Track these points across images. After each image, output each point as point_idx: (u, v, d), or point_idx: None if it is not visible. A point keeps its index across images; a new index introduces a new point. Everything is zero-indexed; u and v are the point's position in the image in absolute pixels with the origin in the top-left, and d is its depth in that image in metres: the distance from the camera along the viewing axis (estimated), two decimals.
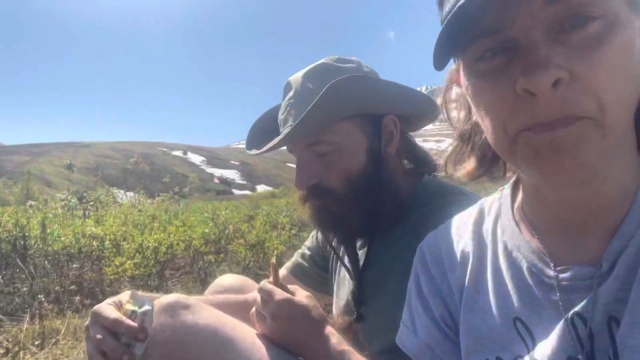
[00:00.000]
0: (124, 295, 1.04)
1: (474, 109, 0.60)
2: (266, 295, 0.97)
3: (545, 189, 0.60)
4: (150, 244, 4.12)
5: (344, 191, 1.07)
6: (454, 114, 0.73)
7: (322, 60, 1.11)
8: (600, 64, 0.47)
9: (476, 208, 0.79)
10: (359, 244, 1.20)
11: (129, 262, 3.91)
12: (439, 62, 0.56)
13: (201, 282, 4.62)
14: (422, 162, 1.21)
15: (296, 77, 1.11)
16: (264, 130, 1.26)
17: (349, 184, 1.06)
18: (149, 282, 4.30)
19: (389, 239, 1.10)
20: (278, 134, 1.14)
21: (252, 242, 4.39)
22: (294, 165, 1.13)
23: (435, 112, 1.20)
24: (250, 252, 4.43)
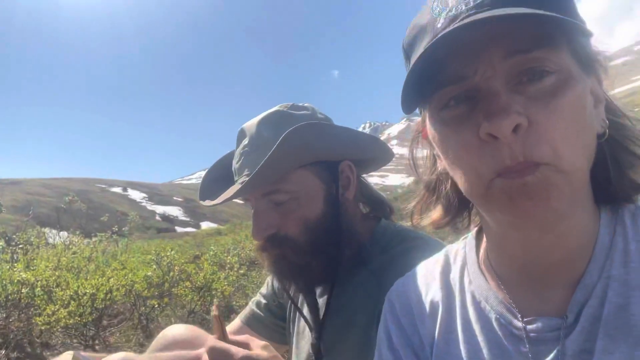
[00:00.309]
0: (66, 356, 0.94)
1: (442, 157, 0.61)
2: (221, 356, 0.90)
3: (511, 237, 0.60)
4: (87, 290, 3.85)
5: (303, 239, 1.04)
6: (420, 163, 0.74)
7: (276, 108, 1.11)
8: (556, 113, 0.50)
9: (442, 256, 0.79)
10: (318, 291, 1.17)
11: (62, 310, 3.62)
12: (407, 107, 0.58)
13: (142, 329, 4.36)
14: (378, 205, 1.21)
15: (250, 124, 1.09)
16: (217, 179, 1.22)
17: (308, 232, 1.04)
18: (85, 332, 4.00)
19: (349, 287, 1.08)
20: (232, 183, 1.11)
21: (199, 284, 4.21)
22: (241, 201, 1.09)
23: (389, 156, 1.21)
24: (196, 295, 4.24)
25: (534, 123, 0.49)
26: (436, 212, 0.72)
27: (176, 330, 1.34)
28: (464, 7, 0.51)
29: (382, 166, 1.27)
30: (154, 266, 4.83)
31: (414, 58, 0.57)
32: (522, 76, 0.51)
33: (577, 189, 0.53)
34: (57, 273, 4.57)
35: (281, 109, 1.09)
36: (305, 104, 1.14)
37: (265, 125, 1.06)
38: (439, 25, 0.53)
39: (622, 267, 0.56)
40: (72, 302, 3.76)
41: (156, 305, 4.21)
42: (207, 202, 1.17)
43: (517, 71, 0.51)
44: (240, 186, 1.03)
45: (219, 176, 1.23)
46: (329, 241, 1.04)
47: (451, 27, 0.49)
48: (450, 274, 0.74)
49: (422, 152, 0.73)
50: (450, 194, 0.69)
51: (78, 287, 3.88)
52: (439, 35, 0.49)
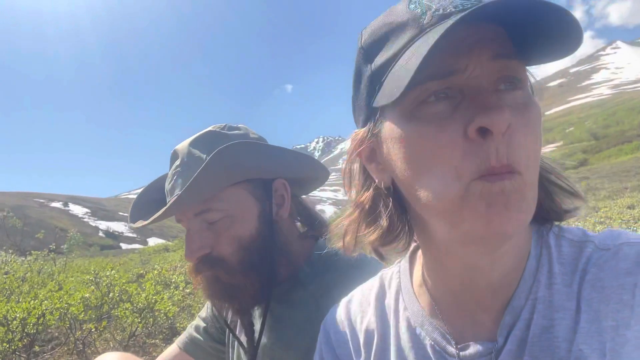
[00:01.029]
0: None
1: (406, 163, 0.55)
2: None
3: (455, 255, 0.58)
4: (17, 314, 3.58)
5: (237, 259, 1.02)
6: (355, 182, 0.69)
7: (209, 128, 1.10)
8: (528, 124, 0.51)
9: (376, 281, 0.78)
10: (256, 313, 1.14)
11: None
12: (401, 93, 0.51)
13: (78, 355, 4.11)
14: (316, 225, 1.20)
15: (182, 145, 1.07)
16: (149, 201, 1.19)
17: (242, 251, 1.03)
18: (14, 359, 3.72)
19: (287, 307, 1.07)
20: (165, 204, 1.07)
21: (140, 305, 4.02)
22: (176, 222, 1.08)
23: (324, 175, 1.21)
24: (137, 318, 4.04)
25: (515, 130, 0.49)
26: (373, 233, 0.66)
27: (109, 358, 1.27)
28: (452, 9, 0.51)
29: (319, 186, 1.26)
30: (92, 287, 4.57)
31: (386, 53, 0.56)
32: (501, 83, 0.52)
33: (533, 206, 0.52)
34: None
35: (214, 129, 1.08)
36: (239, 125, 1.13)
37: (197, 145, 1.05)
38: (425, 22, 0.52)
39: (547, 288, 0.57)
40: (0, 327, 3.49)
41: (93, 330, 3.97)
42: (138, 223, 1.13)
43: (498, 76, 0.52)
44: (170, 204, 1.00)
45: (152, 199, 1.19)
46: (263, 260, 1.03)
47: (444, 22, 0.49)
48: (385, 299, 0.73)
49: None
50: (392, 212, 0.64)
51: (7, 310, 3.61)
52: (446, 29, 0.45)
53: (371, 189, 0.65)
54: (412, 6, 0.54)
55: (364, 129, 0.62)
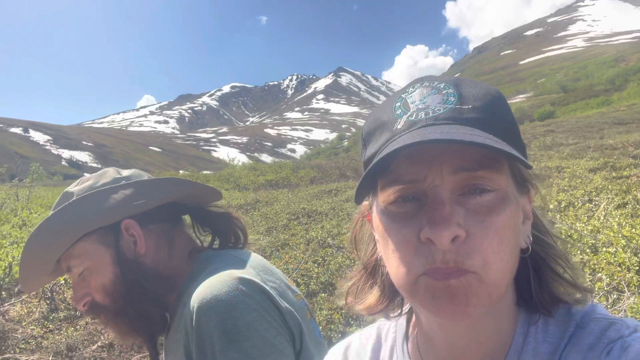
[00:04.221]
0: None
1: (380, 245, 0.63)
2: None
3: (435, 332, 0.64)
4: None
5: (110, 303, 1.11)
6: (362, 246, 0.75)
7: (67, 188, 1.18)
8: (491, 229, 0.54)
9: (374, 330, 0.81)
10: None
11: None
12: (359, 198, 0.62)
13: (46, 301, 4.09)
14: (222, 235, 1.24)
15: None
16: None
17: (110, 296, 1.10)
18: None
19: (175, 324, 1.12)
20: None
21: None
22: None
23: (189, 189, 1.21)
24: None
25: (470, 235, 0.53)
26: (372, 297, 0.73)
27: None
28: (423, 116, 0.57)
29: (212, 196, 1.27)
30: None
31: (370, 149, 0.62)
32: (465, 189, 0.56)
33: (495, 300, 0.55)
34: None
35: (67, 189, 1.16)
36: (105, 170, 1.21)
37: (54, 207, 1.14)
38: (398, 127, 0.58)
39: None
40: None
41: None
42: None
43: (461, 185, 0.55)
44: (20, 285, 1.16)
45: None
46: (135, 297, 1.10)
47: (409, 132, 0.55)
48: (380, 351, 0.77)
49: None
50: (386, 280, 0.71)
51: None
52: (400, 145, 0.52)
53: (375, 255, 0.71)
54: (396, 105, 0.61)
55: (367, 202, 0.70)
